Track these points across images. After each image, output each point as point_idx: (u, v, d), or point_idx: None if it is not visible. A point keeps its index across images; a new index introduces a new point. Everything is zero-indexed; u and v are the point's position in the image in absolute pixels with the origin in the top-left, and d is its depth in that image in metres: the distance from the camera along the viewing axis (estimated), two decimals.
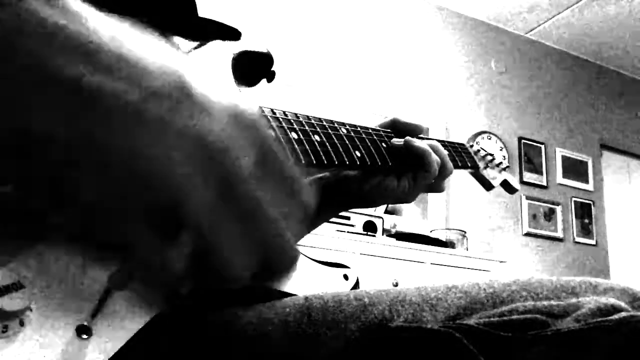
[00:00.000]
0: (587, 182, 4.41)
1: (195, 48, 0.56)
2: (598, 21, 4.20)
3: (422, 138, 0.74)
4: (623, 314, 0.36)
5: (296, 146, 0.60)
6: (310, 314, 0.44)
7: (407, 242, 2.84)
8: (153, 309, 0.41)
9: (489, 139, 3.94)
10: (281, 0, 3.38)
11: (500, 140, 3.98)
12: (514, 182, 0.99)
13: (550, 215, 4.14)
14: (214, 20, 0.59)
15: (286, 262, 0.32)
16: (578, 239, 4.22)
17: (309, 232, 0.76)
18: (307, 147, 0.61)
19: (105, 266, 0.37)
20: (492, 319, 0.38)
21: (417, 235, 3.00)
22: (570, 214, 4.25)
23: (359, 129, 0.70)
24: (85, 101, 0.26)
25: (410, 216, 3.52)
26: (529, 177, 4.12)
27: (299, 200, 0.32)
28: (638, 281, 4.14)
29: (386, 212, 3.24)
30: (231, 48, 0.59)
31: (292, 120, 0.62)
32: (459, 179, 3.46)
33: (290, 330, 0.44)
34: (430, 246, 2.90)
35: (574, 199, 4.29)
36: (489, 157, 0.95)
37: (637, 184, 4.82)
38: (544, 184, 4.19)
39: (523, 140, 4.18)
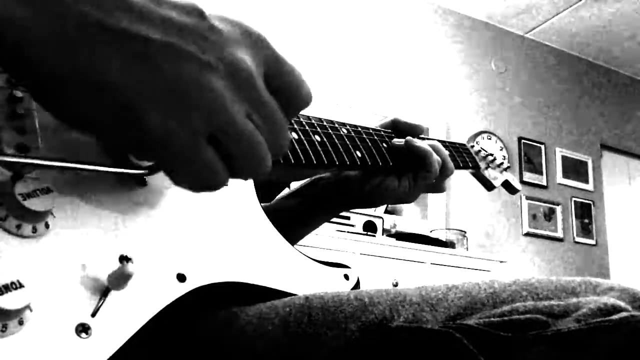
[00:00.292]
0: (587, 182, 4.41)
1: None
2: (598, 21, 4.20)
3: (423, 138, 0.74)
4: (623, 314, 0.35)
5: (296, 146, 0.60)
6: (310, 314, 0.44)
7: (407, 242, 2.84)
8: (153, 309, 0.41)
9: (489, 139, 3.94)
10: (282, 0, 3.38)
11: (500, 140, 3.98)
12: (515, 182, 0.99)
13: (550, 215, 4.14)
14: None
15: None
16: (578, 239, 4.22)
17: (309, 233, 0.76)
18: (308, 147, 0.61)
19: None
20: (492, 319, 0.38)
21: (417, 235, 3.00)
22: (570, 214, 4.25)
23: (359, 129, 0.70)
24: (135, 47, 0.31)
25: (410, 216, 3.52)
26: (529, 177, 4.12)
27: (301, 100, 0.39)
28: (638, 281, 4.14)
29: (386, 212, 3.24)
30: None
31: (292, 120, 0.62)
32: (459, 179, 3.46)
33: (290, 330, 0.44)
34: (430, 246, 2.90)
35: (574, 199, 4.29)
36: (490, 158, 0.94)
37: (637, 184, 4.81)
38: (544, 184, 4.19)
39: (523, 140, 4.18)
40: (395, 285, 2.65)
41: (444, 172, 0.73)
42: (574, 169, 4.37)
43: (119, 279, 0.38)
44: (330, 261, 0.59)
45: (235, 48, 0.35)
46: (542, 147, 4.26)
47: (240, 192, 0.54)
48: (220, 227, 0.50)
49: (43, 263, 0.37)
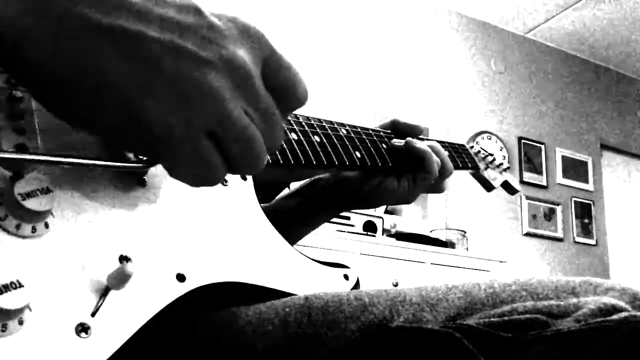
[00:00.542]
0: (587, 182, 4.41)
1: None
2: (598, 21, 4.20)
3: (422, 139, 0.74)
4: (623, 314, 0.35)
5: (296, 147, 0.60)
6: (310, 314, 0.44)
7: (407, 242, 2.84)
8: (153, 309, 0.41)
9: (489, 139, 3.94)
10: (283, 0, 3.38)
11: (500, 140, 3.98)
12: (515, 183, 0.99)
13: (550, 215, 4.14)
14: None
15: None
16: (578, 239, 4.22)
17: (309, 233, 0.76)
18: (307, 147, 0.61)
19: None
20: (492, 319, 0.38)
21: (417, 235, 3.00)
22: (570, 214, 4.25)
23: (358, 129, 0.70)
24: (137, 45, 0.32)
25: (410, 216, 3.52)
26: (528, 177, 4.12)
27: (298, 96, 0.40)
28: (638, 281, 4.13)
29: (386, 212, 3.24)
30: None
31: (291, 121, 0.62)
32: (459, 180, 3.46)
33: (290, 330, 0.44)
34: (430, 246, 2.90)
35: (574, 199, 4.29)
36: (490, 158, 0.95)
37: (637, 184, 4.81)
38: (544, 184, 4.19)
39: (523, 140, 4.18)
40: (395, 285, 2.65)
41: (443, 173, 0.73)
42: (574, 169, 4.37)
43: (119, 279, 0.38)
44: (329, 261, 0.59)
45: (233, 45, 0.35)
46: (542, 147, 4.26)
47: (240, 192, 0.54)
48: (220, 227, 0.50)
49: (43, 263, 0.37)
